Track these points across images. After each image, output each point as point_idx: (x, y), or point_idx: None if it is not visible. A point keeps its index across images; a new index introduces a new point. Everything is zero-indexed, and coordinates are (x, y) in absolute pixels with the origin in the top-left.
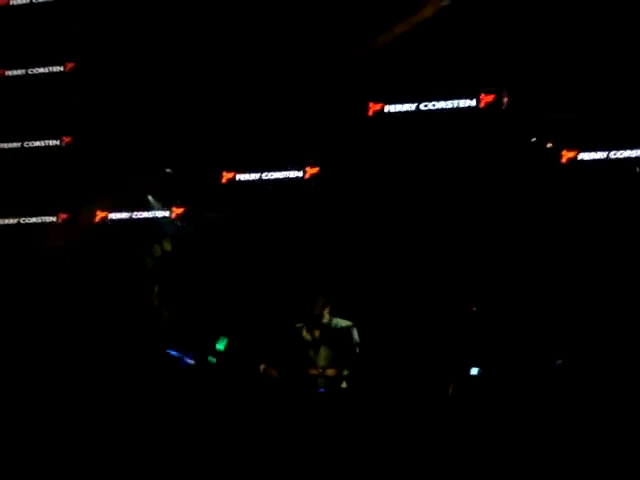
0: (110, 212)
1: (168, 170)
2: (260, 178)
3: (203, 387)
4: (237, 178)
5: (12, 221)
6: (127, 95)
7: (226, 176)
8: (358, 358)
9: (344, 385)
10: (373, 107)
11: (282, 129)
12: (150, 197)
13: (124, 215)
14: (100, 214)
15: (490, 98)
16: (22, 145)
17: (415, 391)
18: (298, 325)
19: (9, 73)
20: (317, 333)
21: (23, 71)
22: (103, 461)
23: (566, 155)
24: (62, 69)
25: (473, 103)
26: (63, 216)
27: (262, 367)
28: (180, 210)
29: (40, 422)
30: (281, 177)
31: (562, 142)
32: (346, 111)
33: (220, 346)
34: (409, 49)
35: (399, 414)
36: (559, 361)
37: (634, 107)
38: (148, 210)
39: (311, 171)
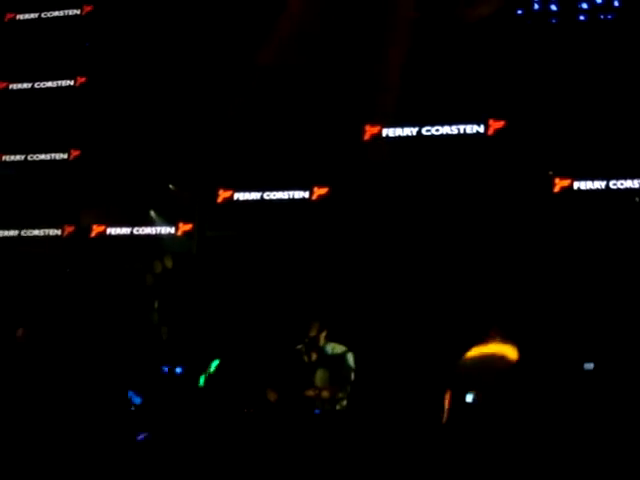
0: (110, 226)
1: (171, 186)
2: (262, 197)
3: (200, 406)
4: (239, 197)
5: (14, 233)
6: (134, 110)
7: (225, 195)
8: (353, 382)
9: (339, 407)
10: (370, 130)
11: (287, 148)
12: (153, 213)
13: (126, 230)
14: (99, 228)
15: (500, 124)
16: (29, 158)
17: (410, 413)
18: (297, 347)
19: (16, 86)
20: (314, 356)
21: (29, 84)
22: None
23: (559, 184)
24: (73, 83)
25: (481, 129)
26: (69, 229)
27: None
28: (187, 227)
29: (38, 435)
30: (285, 197)
31: (556, 170)
32: (341, 134)
33: (211, 368)
34: (413, 69)
35: (393, 435)
36: (588, 365)
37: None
38: (151, 226)
39: (319, 192)
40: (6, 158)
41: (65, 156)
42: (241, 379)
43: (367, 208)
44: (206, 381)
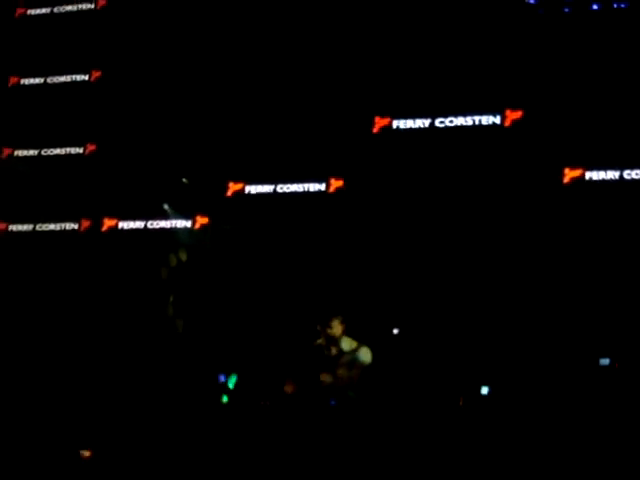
0: (125, 220)
1: (184, 180)
2: (274, 190)
3: (214, 397)
4: (253, 190)
5: (28, 227)
6: (149, 105)
7: (240, 188)
8: (369, 378)
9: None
10: (379, 122)
11: (300, 141)
12: (167, 206)
13: (140, 224)
14: (115, 222)
15: (517, 115)
16: (44, 152)
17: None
18: (315, 342)
19: (31, 81)
20: (333, 350)
21: (42, 79)
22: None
23: (571, 174)
24: (87, 78)
25: (497, 120)
26: (85, 223)
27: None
28: (204, 220)
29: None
30: (300, 190)
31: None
32: (351, 126)
33: (230, 384)
34: (425, 57)
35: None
36: (605, 360)
37: None
38: (166, 219)
39: (336, 184)
40: (21, 153)
41: (81, 150)
42: (258, 373)
43: (382, 201)
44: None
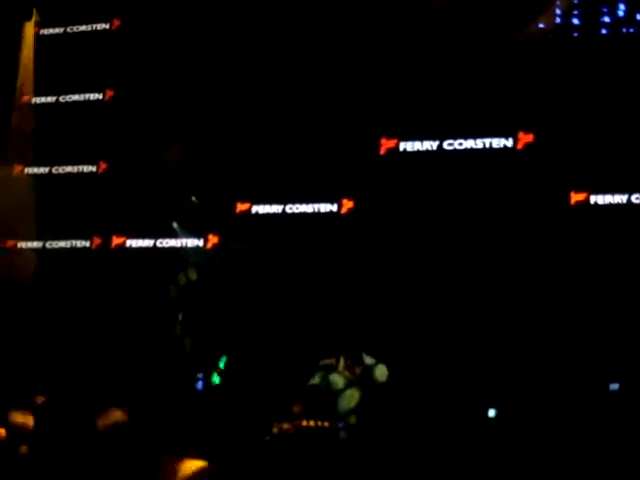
0: (135, 238)
1: (194, 198)
2: (283, 210)
3: (223, 418)
4: (262, 210)
5: (38, 245)
6: (160, 124)
7: (248, 207)
8: (383, 399)
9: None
10: (386, 144)
11: (309, 162)
12: (176, 225)
13: (149, 242)
14: (125, 240)
15: (530, 138)
16: (58, 170)
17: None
18: (324, 363)
19: (43, 100)
20: (344, 376)
21: (54, 98)
22: None
23: (575, 197)
24: (101, 97)
25: (509, 143)
26: (97, 241)
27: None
28: (215, 239)
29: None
30: (310, 210)
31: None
32: (358, 147)
33: (220, 364)
34: (434, 78)
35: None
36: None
37: None
38: (175, 238)
39: (347, 205)
40: (32, 170)
41: (93, 169)
42: (266, 392)
43: (392, 223)
44: (220, 378)
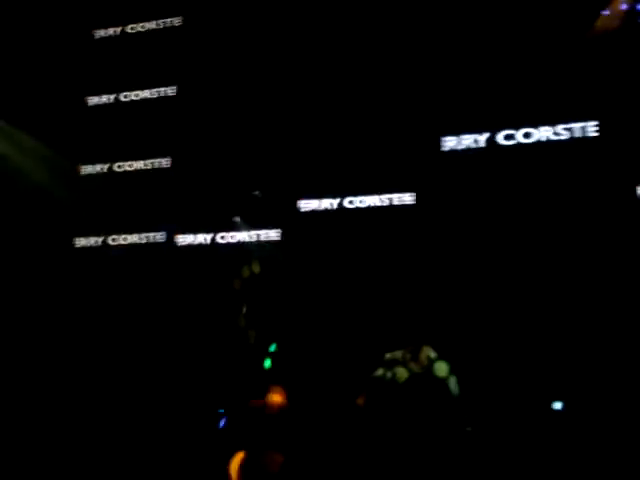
0: (199, 233)
1: (256, 193)
2: (342, 205)
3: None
4: (324, 205)
5: (100, 241)
6: (222, 119)
7: (311, 202)
8: (454, 409)
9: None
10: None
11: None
12: (238, 219)
13: (214, 237)
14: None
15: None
16: (118, 168)
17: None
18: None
19: (100, 100)
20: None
21: (113, 97)
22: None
23: None
24: (163, 94)
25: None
26: (163, 236)
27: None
28: (272, 233)
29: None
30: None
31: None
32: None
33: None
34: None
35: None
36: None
37: None
38: (238, 232)
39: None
40: (95, 169)
41: (155, 165)
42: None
43: (454, 216)
44: (271, 362)
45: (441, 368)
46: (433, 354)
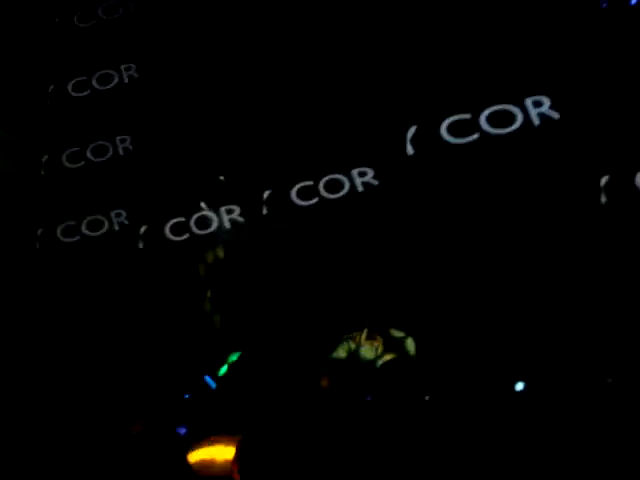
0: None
1: (221, 178)
2: (312, 189)
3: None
4: (288, 188)
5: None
6: (184, 106)
7: (276, 186)
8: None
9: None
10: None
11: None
12: (203, 204)
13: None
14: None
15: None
16: (81, 156)
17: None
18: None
19: (66, 88)
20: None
21: (82, 85)
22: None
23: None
24: (123, 82)
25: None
26: (124, 223)
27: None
28: (236, 217)
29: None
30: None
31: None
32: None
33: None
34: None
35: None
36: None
37: None
38: (202, 217)
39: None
40: (63, 157)
41: (116, 153)
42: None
43: (413, 202)
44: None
45: (411, 345)
46: (398, 333)
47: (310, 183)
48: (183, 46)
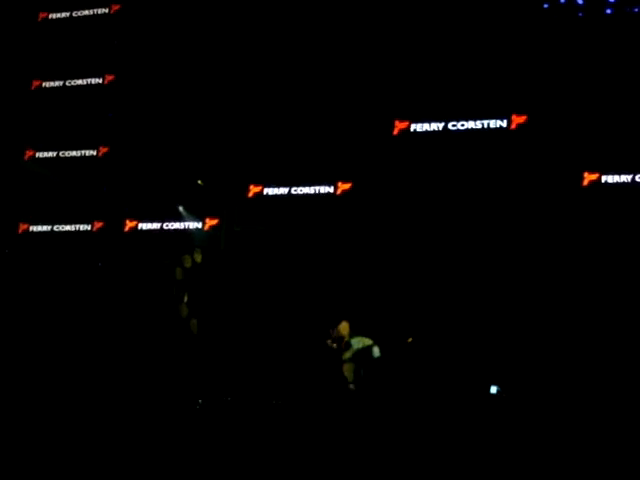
0: (140, 222)
1: (199, 182)
2: (289, 192)
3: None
4: (265, 192)
5: (46, 228)
6: (162, 107)
7: (254, 190)
8: (378, 372)
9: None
10: (399, 125)
11: (314, 143)
12: (181, 208)
13: (156, 225)
14: (130, 223)
15: (522, 119)
16: (59, 154)
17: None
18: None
19: (47, 84)
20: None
21: (61, 82)
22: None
23: (588, 177)
24: (101, 81)
25: (504, 124)
26: (98, 225)
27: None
28: (214, 222)
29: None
30: (311, 192)
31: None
32: (371, 128)
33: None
34: (438, 65)
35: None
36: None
37: None
38: (179, 221)
39: (343, 187)
40: (38, 155)
41: (94, 153)
42: (269, 372)
43: (391, 202)
44: None
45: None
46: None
47: (287, 188)
48: (164, 51)
